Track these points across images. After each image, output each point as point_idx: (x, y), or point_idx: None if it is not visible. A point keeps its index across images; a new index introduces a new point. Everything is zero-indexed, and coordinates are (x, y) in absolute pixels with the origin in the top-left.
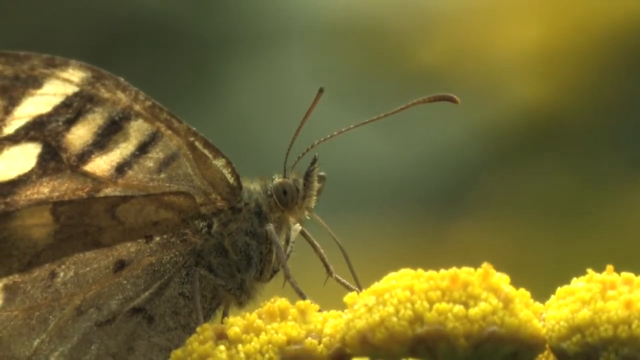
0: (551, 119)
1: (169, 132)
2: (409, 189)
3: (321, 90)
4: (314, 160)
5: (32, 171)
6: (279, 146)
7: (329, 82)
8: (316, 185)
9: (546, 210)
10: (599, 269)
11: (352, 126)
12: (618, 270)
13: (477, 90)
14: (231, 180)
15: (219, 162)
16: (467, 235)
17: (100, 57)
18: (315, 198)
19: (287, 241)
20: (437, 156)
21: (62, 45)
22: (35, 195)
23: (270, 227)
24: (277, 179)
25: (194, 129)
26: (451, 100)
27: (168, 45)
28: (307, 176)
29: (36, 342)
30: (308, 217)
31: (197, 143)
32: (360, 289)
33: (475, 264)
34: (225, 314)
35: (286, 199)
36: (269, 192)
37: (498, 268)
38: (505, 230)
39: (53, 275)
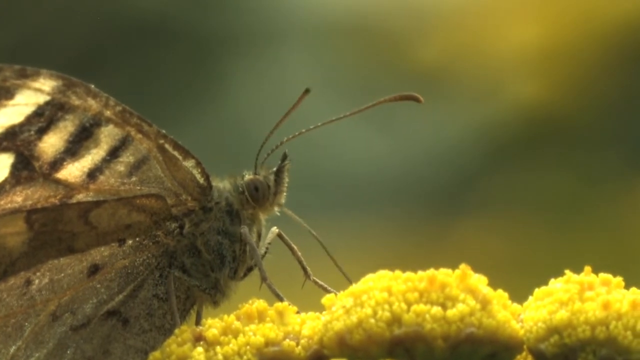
0: (550, 118)
1: (139, 135)
2: (408, 188)
3: (307, 91)
4: (285, 157)
5: (5, 181)
6: (270, 145)
7: (327, 81)
8: (287, 181)
9: (545, 209)
10: (598, 267)
11: (319, 124)
12: (618, 268)
13: (476, 89)
14: (201, 180)
15: (189, 163)
16: (466, 233)
17: (97, 57)
18: (285, 194)
19: (259, 236)
20: (436, 155)
21: (58, 47)
22: (9, 205)
23: (245, 229)
24: (248, 176)
25: (164, 131)
26: (415, 99)
27: (165, 45)
28: (278, 172)
29: (12, 349)
30: (278, 214)
31: (166, 145)
32: (346, 276)
33: (475, 263)
34: (199, 314)
35: (258, 195)
36: (240, 188)
37: (497, 266)
38: (504, 228)
39: (28, 282)
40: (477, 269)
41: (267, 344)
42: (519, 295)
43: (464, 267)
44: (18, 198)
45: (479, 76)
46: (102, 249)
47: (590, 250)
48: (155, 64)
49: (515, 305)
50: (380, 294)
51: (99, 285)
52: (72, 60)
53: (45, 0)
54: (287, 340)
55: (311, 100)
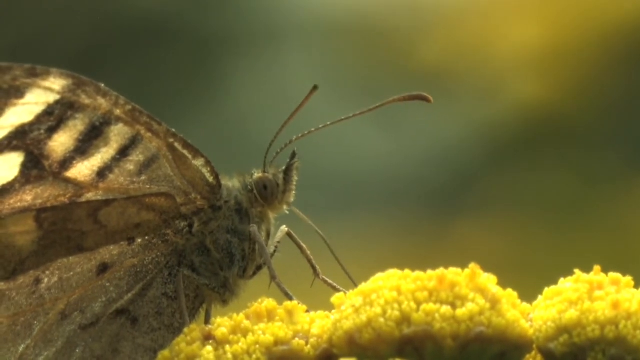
0: (550, 118)
1: (149, 134)
2: (409, 187)
3: (315, 88)
4: (294, 155)
5: (15, 180)
6: (277, 144)
7: (328, 80)
8: (296, 179)
9: (546, 208)
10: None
11: (328, 123)
12: (618, 268)
13: (477, 89)
14: (210, 179)
15: (198, 162)
16: (467, 233)
17: (97, 57)
18: (294, 192)
19: (268, 235)
20: (437, 154)
21: (58, 47)
22: (19, 204)
23: (254, 228)
24: (257, 174)
25: (173, 130)
26: (425, 99)
27: (165, 45)
28: (287, 171)
29: (21, 348)
30: (287, 212)
31: (176, 144)
32: (351, 278)
33: (476, 262)
34: (208, 313)
35: (266, 194)
36: (249, 187)
37: (498, 266)
38: (504, 228)
39: (37, 281)
40: None
41: (277, 343)
42: (519, 294)
43: (473, 266)
44: (28, 197)
45: (479, 76)
46: (112, 247)
47: (591, 250)
48: (155, 64)
49: (525, 305)
50: (389, 293)
51: (108, 284)
52: (73, 60)
53: (45, 0)
54: (297, 339)
55: (312, 100)
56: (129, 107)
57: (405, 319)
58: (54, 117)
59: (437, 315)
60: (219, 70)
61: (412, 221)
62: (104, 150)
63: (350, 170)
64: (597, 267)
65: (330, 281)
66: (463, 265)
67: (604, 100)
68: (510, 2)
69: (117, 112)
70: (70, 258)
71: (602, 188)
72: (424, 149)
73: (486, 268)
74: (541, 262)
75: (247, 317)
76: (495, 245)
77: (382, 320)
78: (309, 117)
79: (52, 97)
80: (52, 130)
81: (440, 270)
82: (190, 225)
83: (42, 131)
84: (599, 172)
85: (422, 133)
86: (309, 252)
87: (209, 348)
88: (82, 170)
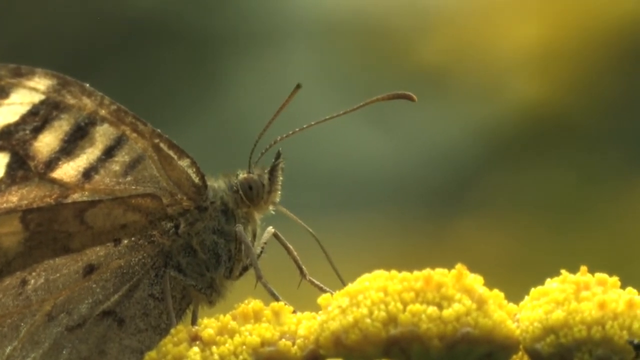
0: (551, 117)
1: (134, 135)
2: (409, 187)
3: (298, 86)
4: (278, 155)
5: (0, 181)
6: (269, 143)
7: (328, 80)
8: (281, 179)
9: (546, 208)
10: (598, 266)
11: (312, 122)
12: (618, 268)
13: (477, 89)
14: (196, 179)
15: (184, 163)
16: (467, 233)
17: (97, 57)
18: (280, 192)
19: (254, 235)
20: (437, 154)
21: (58, 46)
22: (5, 205)
23: (240, 227)
24: (242, 175)
25: (159, 130)
26: (409, 98)
27: (165, 45)
28: (272, 171)
29: (8, 350)
30: (273, 212)
31: (162, 144)
32: (343, 281)
33: (476, 262)
34: (194, 314)
35: (252, 194)
36: (234, 187)
37: (497, 266)
38: (505, 228)
39: (24, 282)
40: (477, 268)
41: (263, 343)
42: (520, 294)
43: (460, 267)
44: (13, 198)
45: (479, 75)
46: (98, 248)
47: (590, 250)
48: (155, 64)
49: (512, 305)
50: (376, 294)
51: (94, 285)
52: (73, 60)
53: (45, 1)
54: (283, 340)
55: (312, 100)
56: (113, 107)
57: (391, 320)
58: (39, 118)
59: (423, 315)
60: (219, 70)
61: (411, 221)
62: (89, 150)
63: (350, 170)
64: (583, 268)
65: (317, 282)
66: (464, 264)
67: (604, 100)
68: (510, 2)
69: (102, 112)
70: (57, 259)
71: (602, 188)
72: (424, 148)
73: (485, 268)
74: (541, 261)
75: (234, 318)
76: (494, 244)
77: (368, 320)
78: (310, 117)
79: (37, 97)
80: (37, 131)
81: (427, 271)
82: (177, 226)
83: (27, 131)
84: (599, 171)
85: (421, 133)
86: (295, 253)
87: (196, 349)
88: (68, 170)
